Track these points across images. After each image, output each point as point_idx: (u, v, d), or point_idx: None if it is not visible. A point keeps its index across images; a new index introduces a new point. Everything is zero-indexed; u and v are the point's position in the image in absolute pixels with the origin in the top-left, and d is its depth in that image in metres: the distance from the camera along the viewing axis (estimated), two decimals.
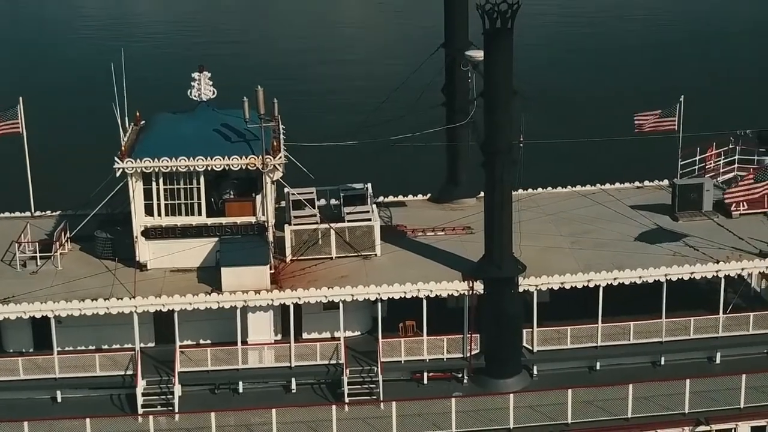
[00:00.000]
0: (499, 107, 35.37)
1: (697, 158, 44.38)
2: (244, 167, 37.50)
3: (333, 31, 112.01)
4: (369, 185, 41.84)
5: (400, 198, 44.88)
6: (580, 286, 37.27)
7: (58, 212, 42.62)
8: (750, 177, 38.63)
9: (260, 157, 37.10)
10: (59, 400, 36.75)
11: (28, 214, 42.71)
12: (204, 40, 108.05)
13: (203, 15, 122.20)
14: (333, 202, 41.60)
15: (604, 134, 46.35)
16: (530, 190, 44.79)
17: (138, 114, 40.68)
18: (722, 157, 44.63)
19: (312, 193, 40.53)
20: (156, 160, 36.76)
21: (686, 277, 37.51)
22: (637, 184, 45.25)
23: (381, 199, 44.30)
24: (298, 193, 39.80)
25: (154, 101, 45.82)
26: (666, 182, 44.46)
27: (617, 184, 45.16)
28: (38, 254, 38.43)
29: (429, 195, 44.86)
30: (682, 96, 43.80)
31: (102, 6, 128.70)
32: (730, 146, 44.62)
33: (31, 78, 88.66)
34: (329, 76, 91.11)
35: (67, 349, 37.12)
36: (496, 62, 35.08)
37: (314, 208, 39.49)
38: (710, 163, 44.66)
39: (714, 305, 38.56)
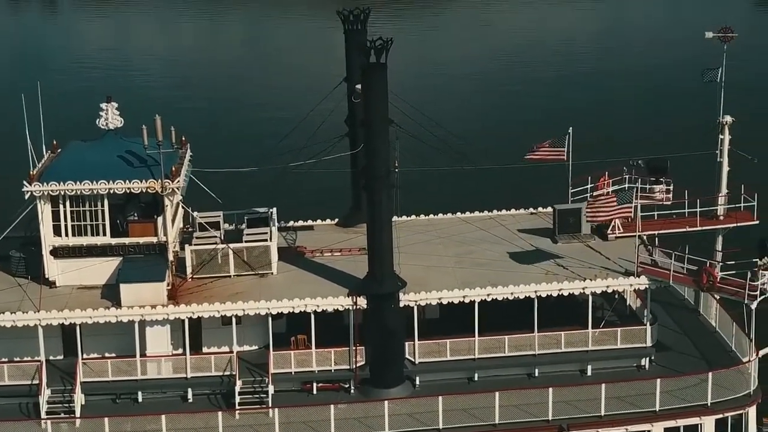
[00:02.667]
0: (376, 135, 38.43)
1: (589, 186, 47.34)
2: (145, 190, 40.37)
3: (248, 65, 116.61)
4: (274, 209, 44.74)
5: (309, 222, 47.83)
6: (456, 301, 40.13)
7: None
8: (612, 198, 41.47)
9: (159, 181, 40.02)
10: None
11: None
12: (122, 73, 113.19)
13: (121, 51, 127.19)
14: (242, 226, 44.50)
15: (499, 164, 49.49)
16: (431, 216, 47.97)
17: (55, 143, 43.60)
18: (618, 185, 47.52)
19: (219, 216, 43.48)
20: (62, 183, 39.68)
21: (555, 294, 40.40)
22: (531, 210, 48.28)
23: (291, 223, 47.31)
24: (204, 217, 42.72)
25: (74, 130, 48.82)
26: None
27: (513, 210, 48.17)
28: None
29: (336, 220, 47.85)
30: (571, 128, 46.95)
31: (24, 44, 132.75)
32: (625, 175, 47.63)
33: None
34: (243, 109, 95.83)
35: None
36: (372, 94, 38.21)
37: (218, 230, 42.38)
38: (606, 190, 47.56)
39: (593, 321, 41.36)
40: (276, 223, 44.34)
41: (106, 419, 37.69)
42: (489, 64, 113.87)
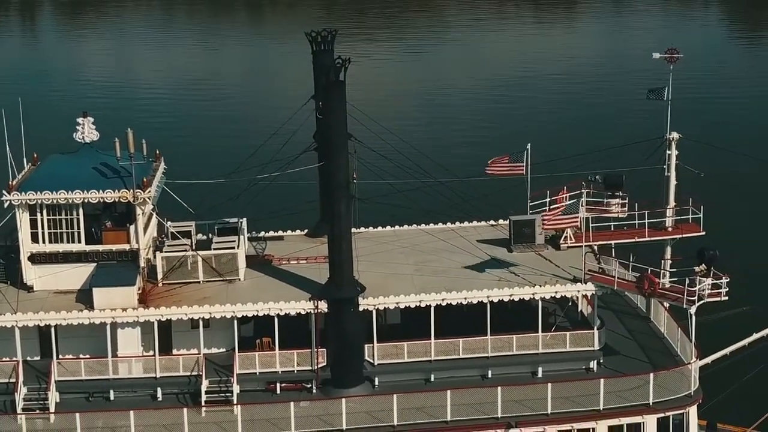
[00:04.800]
0: (336, 148, 40.79)
1: (548, 200, 49.58)
2: (117, 200, 42.66)
3: (222, 84, 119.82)
4: (244, 220, 47.03)
5: (280, 233, 50.08)
6: (413, 306, 42.34)
7: None
8: (560, 208, 43.81)
9: (131, 191, 42.32)
10: None
11: None
12: (99, 92, 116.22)
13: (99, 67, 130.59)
14: (212, 236, 46.76)
15: (459, 177, 51.81)
16: (397, 227, 50.27)
17: (35, 155, 45.94)
18: (574, 199, 49.79)
19: (191, 226, 45.77)
20: (39, 193, 42.00)
21: (506, 299, 42.62)
22: (492, 222, 50.54)
23: (262, 233, 49.58)
24: (176, 227, 44.99)
25: (54, 144, 51.23)
26: None
27: (474, 222, 50.46)
28: None
29: (306, 230, 50.10)
30: (529, 144, 49.30)
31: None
32: (583, 189, 49.90)
33: None
34: (217, 125, 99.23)
35: None
36: (331, 109, 40.61)
37: (190, 239, 44.64)
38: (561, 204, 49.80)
39: (545, 326, 43.58)
40: (246, 233, 46.59)
41: (77, 415, 39.79)
42: (450, 85, 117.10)
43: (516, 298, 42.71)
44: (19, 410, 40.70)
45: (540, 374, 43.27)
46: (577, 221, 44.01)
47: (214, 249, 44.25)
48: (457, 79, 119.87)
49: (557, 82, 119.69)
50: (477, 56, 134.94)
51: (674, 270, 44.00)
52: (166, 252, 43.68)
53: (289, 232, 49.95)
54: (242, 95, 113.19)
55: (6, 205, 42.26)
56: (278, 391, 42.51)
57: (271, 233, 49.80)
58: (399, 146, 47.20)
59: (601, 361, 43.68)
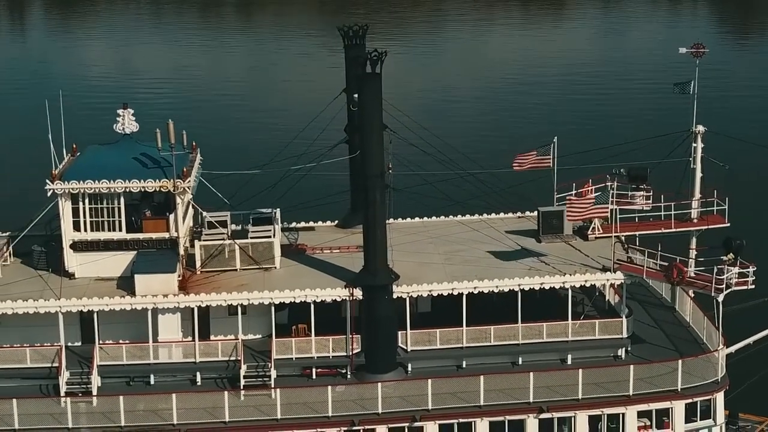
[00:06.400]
0: (372, 139, 41.80)
1: (573, 192, 50.48)
2: (158, 189, 43.72)
3: (255, 79, 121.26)
4: (277, 210, 48.07)
5: (311, 224, 51.12)
6: (445, 294, 43.32)
7: (7, 233, 48.62)
8: (590, 198, 44.75)
9: (171, 180, 43.38)
10: None
11: None
12: (145, 85, 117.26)
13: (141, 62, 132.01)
14: (248, 225, 47.79)
15: (488, 169, 52.81)
16: (424, 219, 51.27)
17: (74, 146, 47.04)
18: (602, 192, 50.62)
19: (226, 216, 46.81)
20: (81, 182, 43.08)
21: (537, 287, 43.57)
22: (519, 214, 51.51)
23: (294, 224, 50.64)
24: (213, 216, 46.05)
25: (93, 134, 52.45)
26: None
27: (501, 215, 51.44)
28: None
29: (336, 221, 51.13)
30: (556, 137, 50.25)
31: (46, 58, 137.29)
32: (608, 182, 50.83)
33: None
34: (250, 118, 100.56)
35: (3, 345, 42.98)
36: (368, 101, 41.63)
37: (225, 228, 45.70)
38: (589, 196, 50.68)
39: (573, 315, 44.48)
40: (279, 223, 47.63)
41: (121, 398, 40.84)
42: (480, 80, 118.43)
43: (546, 287, 43.64)
44: (62, 393, 41.73)
45: (569, 361, 44.18)
46: (606, 211, 44.91)
47: (251, 238, 45.26)
48: (485, 74, 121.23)
49: (583, 76, 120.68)
50: (504, 51, 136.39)
51: (700, 260, 45.03)
52: (204, 240, 44.71)
53: (320, 223, 50.97)
54: (272, 89, 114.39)
55: (49, 194, 43.31)
56: (314, 376, 43.50)
57: (303, 224, 50.85)
58: (425, 137, 48.15)
59: (629, 348, 44.60)
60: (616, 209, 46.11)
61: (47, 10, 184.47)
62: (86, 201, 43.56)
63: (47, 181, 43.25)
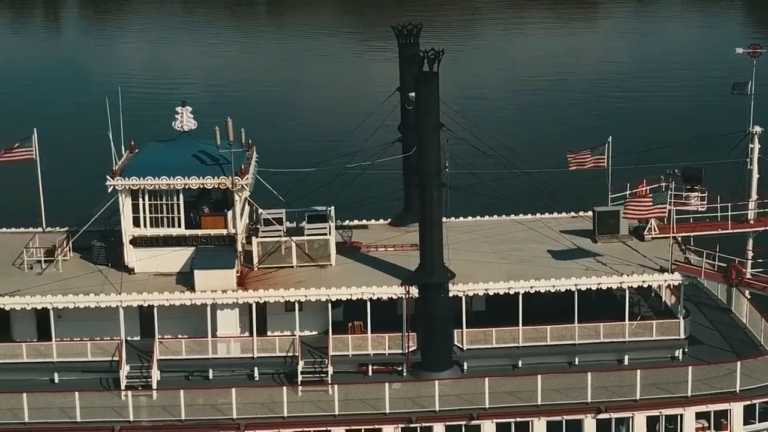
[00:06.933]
0: (429, 137, 41.91)
1: (628, 192, 50.32)
2: (216, 186, 44.13)
3: (307, 77, 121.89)
4: (332, 208, 48.31)
5: (364, 222, 51.33)
6: (501, 293, 43.34)
7: (65, 228, 49.27)
8: (648, 198, 44.60)
9: (230, 178, 43.76)
10: (56, 381, 43.09)
11: (39, 229, 49.37)
12: (202, 83, 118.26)
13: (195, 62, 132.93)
14: (302, 223, 48.09)
15: (542, 169, 52.77)
16: (478, 218, 51.33)
17: (132, 143, 47.57)
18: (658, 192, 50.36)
19: (282, 213, 47.14)
20: (141, 178, 43.57)
21: (594, 287, 43.46)
22: (572, 214, 51.42)
23: (347, 222, 50.87)
24: (269, 213, 46.39)
25: (150, 132, 53.00)
26: None
27: (555, 214, 51.36)
28: (43, 259, 45.16)
29: (389, 220, 51.31)
30: (610, 137, 50.12)
31: (104, 57, 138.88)
32: (662, 183, 50.62)
33: (43, 113, 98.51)
34: (307, 116, 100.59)
35: (65, 339, 43.53)
36: (424, 99, 41.74)
37: (281, 225, 46.02)
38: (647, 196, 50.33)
39: (629, 315, 44.32)
40: (334, 220, 47.87)
41: (182, 392, 41.24)
42: (532, 79, 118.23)
43: (604, 287, 43.52)
44: (122, 387, 42.21)
45: (626, 362, 44.02)
46: (664, 212, 44.73)
47: (307, 235, 45.53)
48: (539, 73, 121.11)
49: (634, 75, 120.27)
50: (558, 50, 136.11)
51: (758, 261, 44.74)
52: (261, 237, 45.04)
53: (373, 221, 51.16)
54: (326, 89, 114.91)
55: (110, 190, 43.83)
56: (370, 373, 43.67)
57: (355, 222, 51.06)
58: (479, 136, 48.18)
59: (686, 350, 44.38)
60: (673, 210, 45.92)
61: (82, 9, 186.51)
62: (146, 197, 44.05)
63: (108, 177, 43.78)
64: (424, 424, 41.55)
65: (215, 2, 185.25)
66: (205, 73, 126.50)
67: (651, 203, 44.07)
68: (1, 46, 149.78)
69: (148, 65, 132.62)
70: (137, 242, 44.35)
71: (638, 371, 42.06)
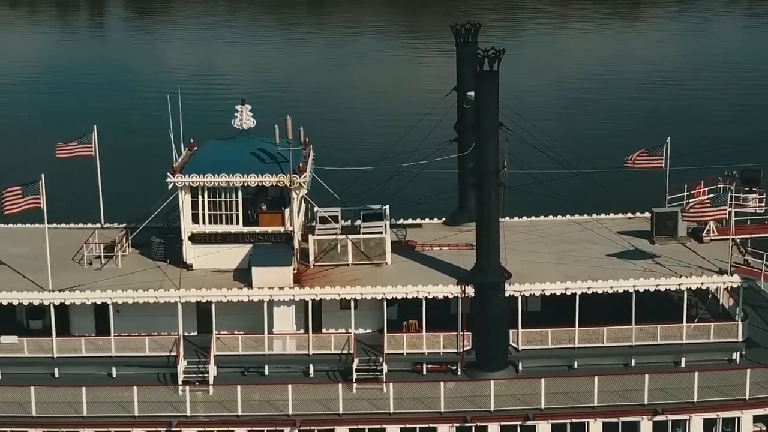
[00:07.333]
0: (487, 136, 41.86)
1: (685, 193, 49.88)
2: (274, 184, 44.46)
3: (364, 78, 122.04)
4: (387, 207, 48.41)
5: (418, 221, 51.40)
6: (558, 293, 43.16)
7: (123, 224, 49.88)
8: (707, 200, 44.21)
9: (288, 176, 44.06)
10: (114, 375, 43.69)
11: (98, 225, 50.13)
12: (256, 81, 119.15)
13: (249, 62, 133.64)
14: (358, 222, 48.25)
15: (599, 169, 52.52)
16: (533, 218, 51.16)
17: (192, 140, 48.07)
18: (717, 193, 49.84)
19: (337, 211, 47.34)
20: (201, 176, 44.01)
21: (652, 289, 43.13)
22: (629, 215, 51.07)
23: (401, 221, 50.99)
24: (324, 211, 46.64)
25: (208, 130, 53.56)
26: None
27: (611, 215, 51.03)
28: (102, 254, 45.81)
29: (443, 219, 51.32)
30: (669, 137, 49.72)
31: (165, 58, 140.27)
32: (719, 185, 50.09)
33: (104, 110, 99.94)
34: (361, 115, 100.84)
35: (123, 334, 44.10)
36: (484, 98, 41.70)
37: (336, 223, 46.24)
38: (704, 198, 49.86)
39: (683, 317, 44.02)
40: (389, 219, 47.98)
41: (239, 387, 41.60)
42: (589, 80, 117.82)
43: (662, 289, 43.18)
44: (179, 382, 42.67)
45: (683, 364, 43.65)
46: (725, 214, 44.29)
47: (363, 233, 45.70)
48: (592, 72, 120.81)
49: (689, 77, 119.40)
50: (616, 50, 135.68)
51: None
52: (318, 235, 45.30)
53: (426, 220, 51.20)
54: (380, 88, 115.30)
55: (170, 186, 44.33)
56: (424, 372, 43.73)
57: (409, 220, 51.14)
58: (538, 136, 48.01)
59: (743, 352, 43.90)
60: (732, 211, 45.43)
61: (126, 9, 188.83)
62: (205, 194, 44.48)
63: (168, 174, 44.27)
64: (479, 424, 41.53)
65: (258, 1, 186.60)
66: (255, 72, 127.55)
67: (710, 205, 43.63)
68: (54, 46, 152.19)
69: (197, 64, 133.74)
70: (196, 239, 44.80)
71: (696, 373, 41.68)
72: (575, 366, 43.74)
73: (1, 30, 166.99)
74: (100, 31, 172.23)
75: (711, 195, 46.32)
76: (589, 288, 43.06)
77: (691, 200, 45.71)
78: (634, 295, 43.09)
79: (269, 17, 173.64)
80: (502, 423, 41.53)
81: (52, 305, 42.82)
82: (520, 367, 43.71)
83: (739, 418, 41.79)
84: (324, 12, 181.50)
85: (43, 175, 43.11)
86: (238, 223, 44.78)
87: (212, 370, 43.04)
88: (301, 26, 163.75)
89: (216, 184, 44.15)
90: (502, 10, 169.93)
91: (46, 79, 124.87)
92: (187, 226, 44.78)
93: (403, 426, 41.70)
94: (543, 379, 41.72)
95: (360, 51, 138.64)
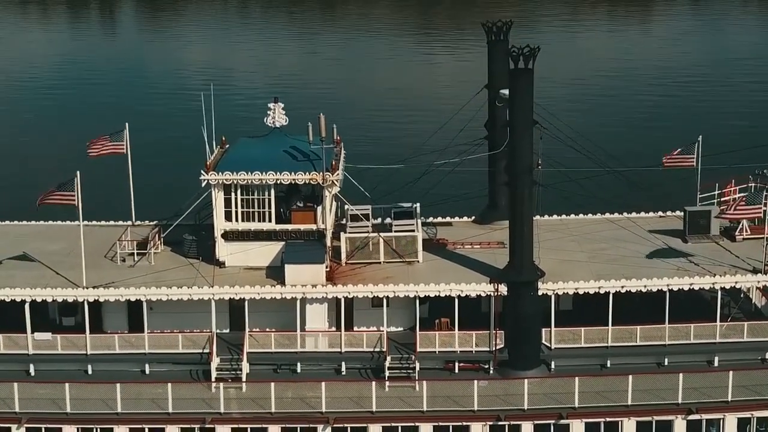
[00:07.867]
0: (521, 134, 41.78)
1: (716, 192, 49.67)
2: (307, 182, 44.51)
3: (394, 76, 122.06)
4: (418, 205, 48.37)
5: (448, 219, 51.38)
6: (591, 292, 43.03)
7: (155, 221, 50.00)
8: (742, 199, 44.00)
9: (321, 173, 44.11)
10: (147, 372, 43.86)
11: (129, 222, 50.34)
12: (287, 79, 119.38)
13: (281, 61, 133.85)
14: (388, 220, 48.25)
15: (631, 168, 52.36)
16: (564, 216, 51.04)
17: (224, 138, 48.19)
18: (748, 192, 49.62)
19: (368, 209, 47.35)
20: (234, 173, 44.11)
21: (686, 288, 42.95)
22: (660, 213, 50.88)
23: (430, 219, 50.96)
24: (356, 209, 46.67)
25: (240, 128, 53.67)
26: None
27: (642, 213, 50.83)
28: (135, 251, 45.99)
29: (473, 217, 51.28)
30: (700, 136, 49.51)
31: (198, 58, 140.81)
32: (750, 183, 49.85)
33: (135, 108, 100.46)
34: (389, 113, 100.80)
35: (155, 331, 44.26)
36: (518, 96, 41.61)
37: (368, 221, 46.26)
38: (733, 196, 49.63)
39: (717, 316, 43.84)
40: (419, 217, 47.95)
41: (272, 384, 41.69)
42: (621, 80, 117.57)
43: (696, 287, 43.00)
44: (213, 379, 42.80)
45: (716, 363, 43.46)
46: (759, 213, 44.09)
47: (395, 231, 45.70)
48: (623, 70, 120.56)
49: (720, 75, 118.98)
50: (650, 48, 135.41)
51: None
52: (350, 233, 45.33)
53: (456, 219, 51.15)
54: (410, 87, 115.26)
55: (203, 184, 44.46)
56: (456, 370, 43.70)
57: (440, 218, 51.11)
58: (570, 134, 47.83)
59: None
60: (766, 210, 45.22)
61: (138, 9, 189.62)
62: (238, 192, 44.58)
63: (201, 171, 44.39)
64: (512, 423, 41.48)
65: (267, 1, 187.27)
66: (277, 70, 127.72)
67: (746, 204, 43.42)
68: (67, 45, 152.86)
69: (215, 63, 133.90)
70: (228, 236, 44.93)
71: (731, 372, 41.49)
72: (608, 365, 43.61)
73: (13, 29, 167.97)
74: (112, 30, 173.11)
75: (744, 194, 46.11)
76: (622, 287, 42.91)
77: (722, 199, 45.42)
78: (668, 294, 42.91)
79: (281, 16, 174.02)
80: (536, 422, 41.46)
81: (86, 302, 43.02)
82: (553, 366, 43.63)
83: None
84: (336, 11, 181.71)
85: (78, 172, 43.30)
86: (270, 221, 44.86)
87: (245, 367, 43.14)
88: (315, 24, 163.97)
89: (249, 181, 44.25)
90: (517, 9, 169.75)
91: (66, 78, 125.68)
92: (219, 224, 44.89)
93: (436, 424, 41.70)
94: (577, 378, 41.59)
95: (383, 50, 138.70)
